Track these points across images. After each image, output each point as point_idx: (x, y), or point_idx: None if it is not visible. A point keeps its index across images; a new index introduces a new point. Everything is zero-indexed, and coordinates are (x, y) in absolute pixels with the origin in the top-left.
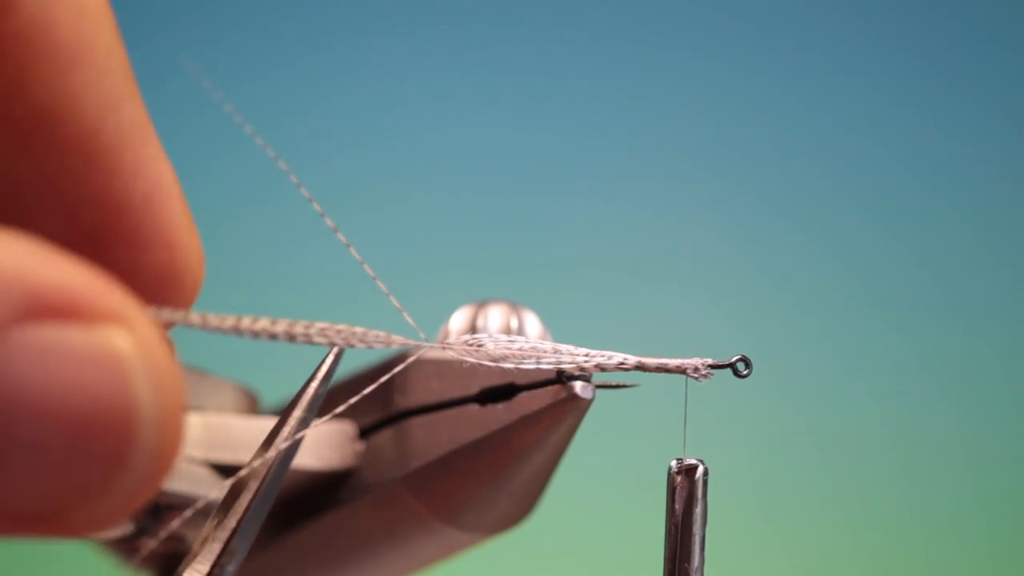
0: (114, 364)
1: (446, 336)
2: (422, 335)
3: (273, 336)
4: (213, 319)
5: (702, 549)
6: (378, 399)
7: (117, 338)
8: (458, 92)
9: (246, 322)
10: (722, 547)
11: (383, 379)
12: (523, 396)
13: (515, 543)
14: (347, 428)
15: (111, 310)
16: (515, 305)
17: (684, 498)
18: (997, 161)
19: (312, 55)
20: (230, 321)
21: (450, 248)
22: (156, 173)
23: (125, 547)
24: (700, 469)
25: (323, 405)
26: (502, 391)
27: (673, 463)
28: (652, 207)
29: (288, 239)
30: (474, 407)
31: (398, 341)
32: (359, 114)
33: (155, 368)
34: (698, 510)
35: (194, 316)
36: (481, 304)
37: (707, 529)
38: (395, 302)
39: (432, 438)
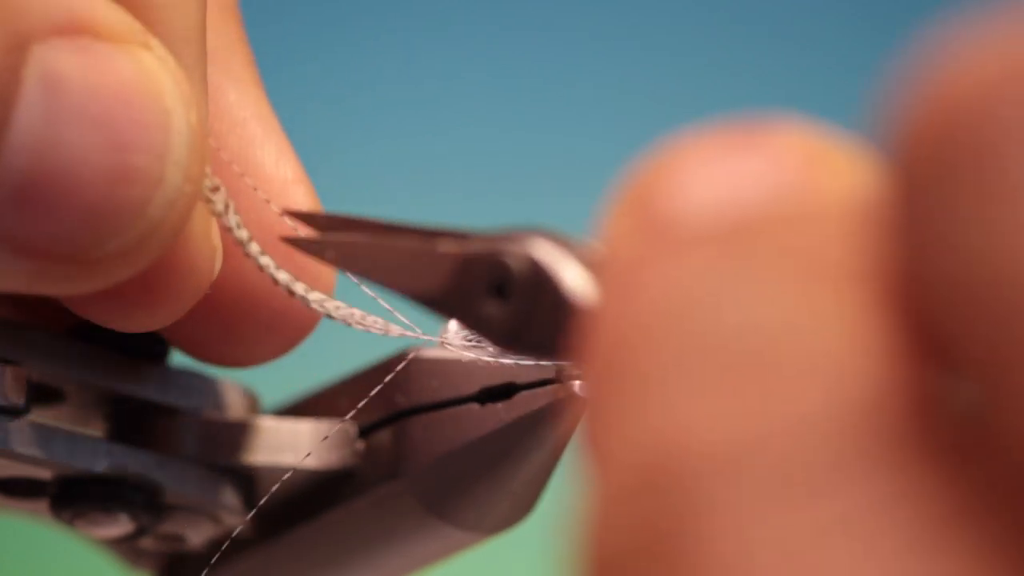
0: (147, 77)
1: (446, 334)
2: (418, 330)
3: (273, 282)
4: (233, 216)
5: None
6: (378, 398)
7: (145, 56)
8: (458, 91)
9: (255, 248)
10: None
11: (388, 378)
12: (523, 396)
13: (515, 543)
14: (347, 428)
15: (136, 32)
16: None
17: None
18: None
19: (312, 54)
20: (244, 234)
21: None
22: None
23: (125, 547)
24: None
25: (322, 406)
26: (502, 391)
27: None
28: None
29: None
30: (474, 407)
31: (397, 331)
32: (358, 113)
33: (180, 84)
34: None
35: (222, 193)
36: None
37: None
38: (385, 304)
39: (432, 437)
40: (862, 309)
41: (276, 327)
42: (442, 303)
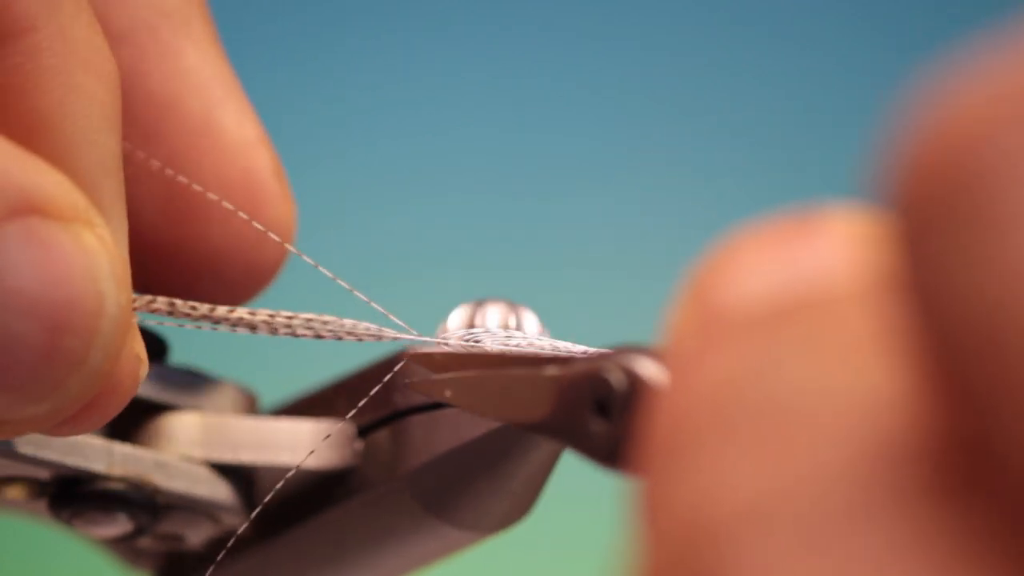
0: (86, 258)
1: (444, 334)
2: (413, 332)
3: (252, 328)
4: (182, 306)
5: None
6: (376, 398)
7: (87, 236)
8: (456, 92)
9: (221, 311)
10: None
11: (387, 378)
12: None
13: (513, 542)
14: (345, 427)
15: (80, 210)
16: (514, 304)
17: None
18: None
19: (310, 53)
20: (203, 309)
21: (449, 248)
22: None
23: (124, 547)
24: None
25: (321, 405)
26: None
27: None
28: (652, 207)
29: None
30: None
31: (390, 335)
32: (357, 114)
33: (116, 266)
34: None
35: (161, 301)
36: (479, 303)
37: None
38: (380, 308)
39: (431, 437)
40: (890, 368)
41: (239, 281)
42: (552, 427)
